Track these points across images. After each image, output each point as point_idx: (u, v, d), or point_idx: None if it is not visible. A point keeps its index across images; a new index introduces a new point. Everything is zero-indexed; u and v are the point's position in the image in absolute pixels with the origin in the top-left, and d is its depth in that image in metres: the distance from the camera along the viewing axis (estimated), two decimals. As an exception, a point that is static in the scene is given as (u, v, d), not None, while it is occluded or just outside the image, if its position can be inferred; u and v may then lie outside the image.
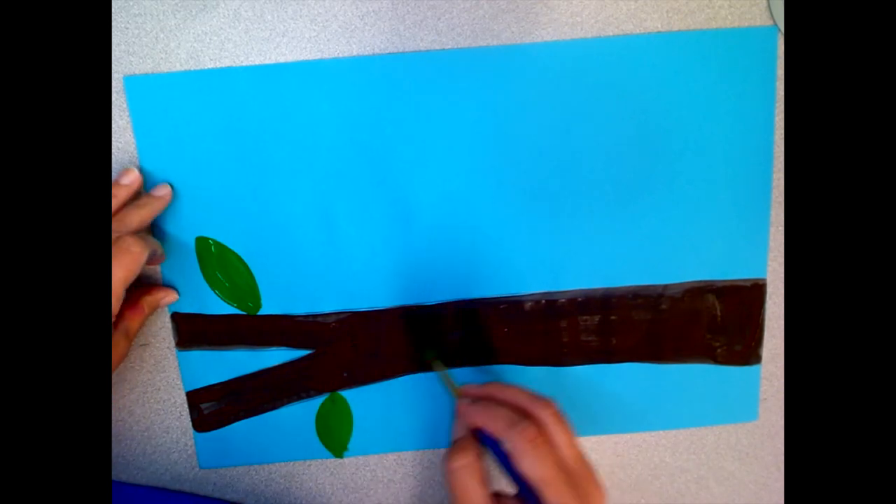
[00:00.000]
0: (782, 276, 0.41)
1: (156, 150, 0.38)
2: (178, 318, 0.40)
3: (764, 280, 0.41)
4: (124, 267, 0.32)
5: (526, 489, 0.31)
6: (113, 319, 0.33)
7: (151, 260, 0.35)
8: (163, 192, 0.37)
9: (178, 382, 0.41)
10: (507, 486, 0.33)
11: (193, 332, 0.40)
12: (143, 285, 0.39)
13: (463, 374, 0.41)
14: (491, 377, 0.42)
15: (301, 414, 0.42)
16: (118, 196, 0.36)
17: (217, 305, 0.40)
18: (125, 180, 0.37)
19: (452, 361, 0.41)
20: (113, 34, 0.37)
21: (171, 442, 0.42)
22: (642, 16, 0.38)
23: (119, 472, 0.43)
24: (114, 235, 0.33)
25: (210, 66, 0.37)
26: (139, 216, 0.35)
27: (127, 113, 0.37)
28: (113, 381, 0.41)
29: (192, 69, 0.37)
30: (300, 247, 0.39)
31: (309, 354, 0.41)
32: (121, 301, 0.33)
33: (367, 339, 0.41)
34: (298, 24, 0.37)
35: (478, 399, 0.35)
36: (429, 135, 0.38)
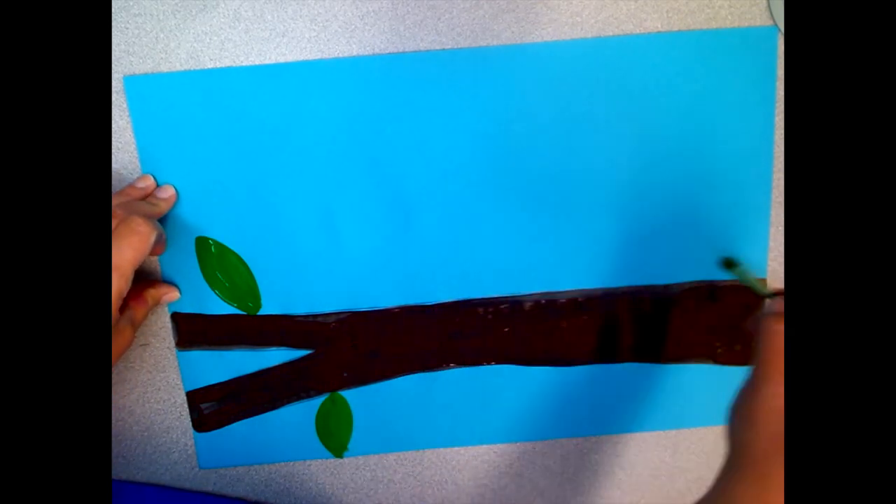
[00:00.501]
0: (782, 276, 0.41)
1: (156, 150, 0.38)
2: (178, 318, 0.40)
3: (764, 280, 0.41)
4: (133, 247, 0.32)
5: None
6: (121, 302, 0.33)
7: (155, 247, 0.35)
8: (168, 193, 0.37)
9: (178, 382, 0.41)
10: None
11: (193, 332, 0.40)
12: (145, 281, 0.39)
13: (462, 374, 0.41)
14: (490, 377, 0.41)
15: (301, 414, 0.42)
16: (132, 195, 0.36)
17: (217, 305, 0.40)
18: (140, 184, 0.37)
19: (453, 361, 0.41)
20: (113, 34, 0.37)
21: (171, 442, 0.42)
22: (642, 16, 0.38)
23: (119, 472, 0.43)
24: (122, 218, 0.33)
25: (210, 66, 0.37)
26: (146, 209, 0.35)
27: (127, 113, 0.37)
28: (113, 381, 0.41)
29: (192, 69, 0.37)
30: (300, 247, 0.39)
31: (309, 354, 0.41)
32: (129, 283, 0.33)
33: (367, 339, 0.41)
34: (298, 24, 0.37)
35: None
36: (429, 135, 0.38)
